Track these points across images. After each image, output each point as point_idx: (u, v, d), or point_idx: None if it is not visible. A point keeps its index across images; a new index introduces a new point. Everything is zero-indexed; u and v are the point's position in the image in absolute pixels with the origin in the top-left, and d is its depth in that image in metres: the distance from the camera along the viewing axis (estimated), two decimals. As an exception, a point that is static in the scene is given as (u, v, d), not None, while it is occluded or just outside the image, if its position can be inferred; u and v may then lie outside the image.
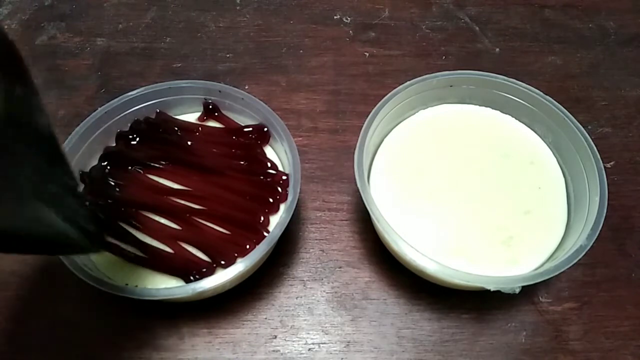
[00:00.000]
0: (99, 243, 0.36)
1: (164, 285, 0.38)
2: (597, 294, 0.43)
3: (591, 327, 0.41)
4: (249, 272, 0.40)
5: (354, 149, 0.40)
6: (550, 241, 0.40)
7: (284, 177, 0.41)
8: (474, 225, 0.40)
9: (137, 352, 0.40)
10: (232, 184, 0.41)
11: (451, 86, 0.45)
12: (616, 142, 0.51)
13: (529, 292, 0.42)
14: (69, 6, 0.61)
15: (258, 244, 0.37)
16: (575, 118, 0.42)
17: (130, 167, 0.42)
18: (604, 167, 0.39)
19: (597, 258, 0.44)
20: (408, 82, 0.44)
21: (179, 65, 0.56)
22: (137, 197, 0.41)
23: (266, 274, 0.43)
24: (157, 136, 0.44)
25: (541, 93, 0.43)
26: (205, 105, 0.45)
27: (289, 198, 0.39)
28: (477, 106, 0.46)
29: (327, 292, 0.43)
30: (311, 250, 0.45)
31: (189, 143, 0.43)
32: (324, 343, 0.41)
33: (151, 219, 0.40)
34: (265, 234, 0.38)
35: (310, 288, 0.43)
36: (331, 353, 0.40)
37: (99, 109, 0.43)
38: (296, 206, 0.38)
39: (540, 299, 0.42)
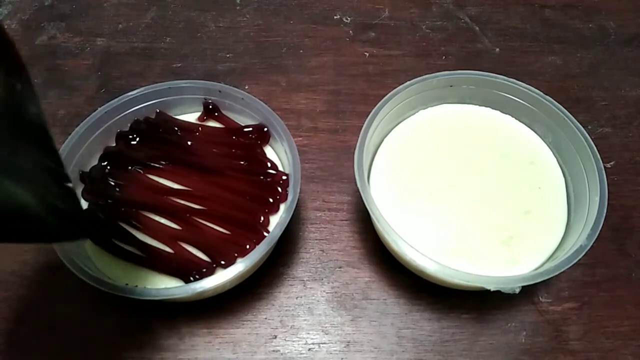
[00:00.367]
0: (76, 226, 0.32)
1: (164, 285, 0.38)
2: (597, 294, 0.43)
3: (591, 327, 0.41)
4: (249, 272, 0.40)
5: (354, 149, 0.40)
6: (550, 241, 0.40)
7: (284, 177, 0.41)
8: (474, 225, 0.40)
9: (137, 352, 0.40)
10: (232, 184, 0.41)
11: (451, 86, 0.45)
12: (616, 142, 0.51)
13: (529, 292, 0.42)
14: (69, 6, 0.61)
15: (258, 244, 0.37)
16: (575, 118, 0.42)
17: (130, 167, 0.42)
18: (604, 167, 0.39)
19: (597, 258, 0.44)
20: (408, 82, 0.43)
21: (179, 65, 0.56)
22: (137, 197, 0.41)
23: (266, 274, 0.43)
24: (157, 136, 0.44)
25: (541, 93, 0.43)
26: (205, 105, 0.45)
27: (289, 198, 0.39)
28: (477, 106, 0.46)
29: (327, 292, 0.43)
30: (311, 250, 0.45)
31: (189, 143, 0.43)
32: (324, 343, 0.41)
33: (151, 219, 0.40)
34: (265, 234, 0.38)
35: (310, 288, 0.43)
36: (331, 353, 0.40)
37: (99, 109, 0.43)
38: (296, 206, 0.38)
39: (540, 299, 0.42)
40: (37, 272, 0.43)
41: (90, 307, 0.42)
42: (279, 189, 0.41)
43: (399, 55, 0.57)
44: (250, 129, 0.44)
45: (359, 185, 0.38)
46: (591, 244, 0.36)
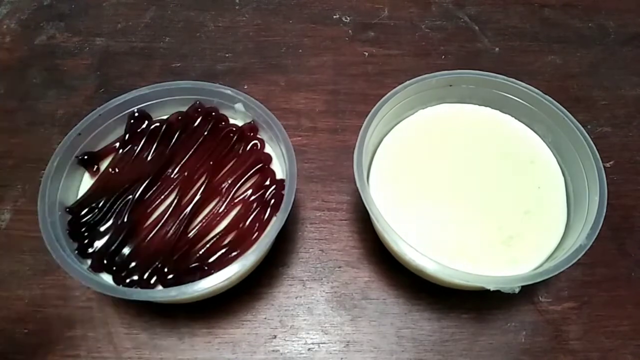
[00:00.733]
0: None
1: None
2: (597, 294, 0.43)
3: (591, 326, 0.41)
4: (247, 272, 0.40)
5: (354, 149, 0.40)
6: (550, 241, 0.40)
7: (281, 177, 0.41)
8: (474, 225, 0.40)
9: (137, 352, 0.40)
10: (228, 184, 0.41)
11: (450, 86, 0.45)
12: (616, 142, 0.51)
13: (528, 291, 0.42)
14: (68, 6, 0.61)
15: (255, 244, 0.37)
16: (574, 117, 0.42)
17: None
18: (604, 166, 0.39)
19: (597, 258, 0.44)
20: (407, 82, 0.43)
21: (178, 65, 0.56)
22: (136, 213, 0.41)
23: (265, 274, 0.43)
24: (154, 139, 0.44)
25: (541, 92, 0.43)
26: (203, 105, 0.45)
27: (286, 198, 0.39)
28: (477, 106, 0.46)
29: (327, 292, 0.43)
30: (310, 250, 0.45)
31: (187, 143, 0.43)
32: (324, 343, 0.41)
33: (151, 222, 0.40)
34: (263, 234, 0.38)
35: (310, 288, 0.43)
36: (331, 353, 0.40)
37: (98, 108, 0.43)
38: (295, 206, 0.38)
39: (540, 298, 0.42)
40: (37, 272, 0.43)
41: (90, 307, 0.42)
42: (276, 188, 0.41)
43: (399, 55, 0.57)
44: (246, 128, 0.44)
45: (358, 184, 0.38)
46: (591, 243, 0.36)
